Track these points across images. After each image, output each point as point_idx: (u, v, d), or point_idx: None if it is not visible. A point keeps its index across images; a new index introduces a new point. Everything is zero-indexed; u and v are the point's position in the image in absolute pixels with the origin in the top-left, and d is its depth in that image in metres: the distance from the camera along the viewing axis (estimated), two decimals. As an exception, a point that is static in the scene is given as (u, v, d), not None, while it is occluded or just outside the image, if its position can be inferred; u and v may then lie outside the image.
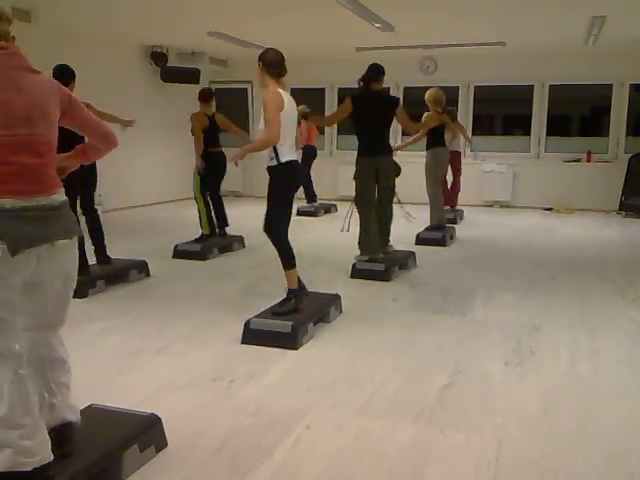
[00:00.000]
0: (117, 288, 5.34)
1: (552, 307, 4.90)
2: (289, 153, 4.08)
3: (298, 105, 4.48)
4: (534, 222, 9.44)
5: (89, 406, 2.69)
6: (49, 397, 2.30)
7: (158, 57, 10.67)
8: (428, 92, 7.52)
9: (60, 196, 2.18)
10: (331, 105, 11.87)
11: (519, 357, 3.80)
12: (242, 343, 3.97)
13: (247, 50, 10.31)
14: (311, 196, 10.13)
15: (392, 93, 11.60)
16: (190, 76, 10.89)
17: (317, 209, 9.93)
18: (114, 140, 2.49)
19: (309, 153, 9.74)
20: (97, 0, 7.20)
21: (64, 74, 4.90)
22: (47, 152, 2.15)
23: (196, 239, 6.78)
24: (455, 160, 9.21)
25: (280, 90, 4.05)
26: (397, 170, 5.90)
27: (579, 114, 11.69)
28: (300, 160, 4.51)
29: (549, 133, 10.98)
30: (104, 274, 5.34)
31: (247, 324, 4.03)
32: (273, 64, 4.09)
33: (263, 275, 5.77)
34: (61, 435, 2.31)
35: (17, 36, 7.27)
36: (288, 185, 4.18)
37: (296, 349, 3.87)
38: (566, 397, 3.25)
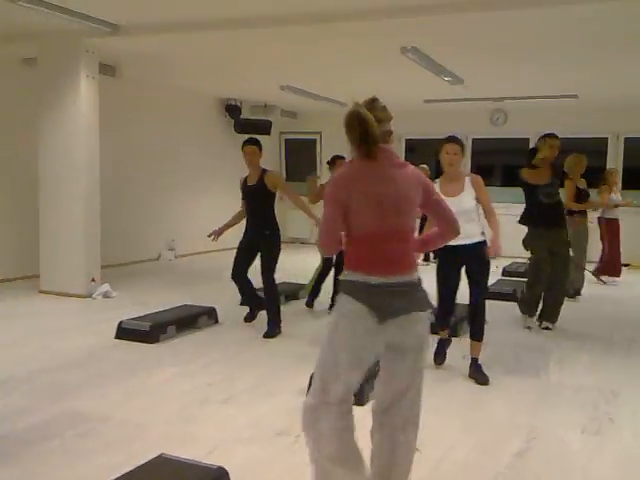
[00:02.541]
0: (187, 334, 5.44)
1: (631, 371, 4.66)
2: None
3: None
4: (610, 278, 9.06)
5: (159, 455, 2.72)
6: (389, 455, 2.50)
7: (232, 109, 11.11)
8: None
9: (416, 274, 2.44)
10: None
11: (597, 425, 3.61)
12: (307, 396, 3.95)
13: (316, 102, 10.59)
14: None
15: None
16: (262, 127, 11.24)
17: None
18: (457, 228, 2.61)
19: None
20: (175, 57, 7.60)
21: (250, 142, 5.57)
22: (411, 237, 2.47)
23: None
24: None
25: None
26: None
27: (657, 167, 11.30)
28: None
29: (625, 187, 10.64)
30: (175, 320, 5.46)
31: (313, 377, 4.01)
32: None
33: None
34: None
35: (103, 89, 7.65)
36: None
37: (362, 405, 3.81)
38: (650, 471, 3.06)
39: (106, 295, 6.98)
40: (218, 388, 4.13)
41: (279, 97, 10.49)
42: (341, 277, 2.42)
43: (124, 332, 5.25)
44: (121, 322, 5.32)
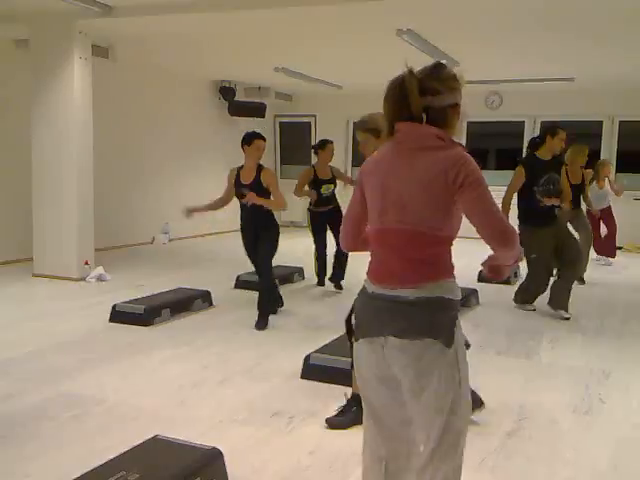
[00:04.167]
0: (181, 317, 5.45)
1: (623, 352, 4.71)
2: None
3: None
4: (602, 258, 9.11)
5: (154, 437, 2.74)
6: None
7: (226, 92, 11.04)
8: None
9: (423, 292, 1.81)
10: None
11: (587, 405, 3.65)
12: (301, 378, 3.98)
13: (311, 85, 10.53)
14: None
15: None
16: (256, 110, 11.19)
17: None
18: (504, 239, 1.80)
19: None
20: (169, 39, 7.53)
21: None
22: (426, 242, 1.83)
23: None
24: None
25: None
26: None
27: (651, 150, 11.32)
28: None
29: (619, 169, 10.67)
30: (169, 303, 5.47)
31: (307, 359, 4.04)
32: None
33: (322, 308, 5.78)
34: None
35: (96, 71, 7.52)
36: None
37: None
38: (639, 450, 3.10)
39: (100, 278, 6.98)
40: (213, 370, 4.15)
41: (274, 79, 10.42)
42: None
43: (118, 315, 5.26)
44: (115, 305, 5.33)
